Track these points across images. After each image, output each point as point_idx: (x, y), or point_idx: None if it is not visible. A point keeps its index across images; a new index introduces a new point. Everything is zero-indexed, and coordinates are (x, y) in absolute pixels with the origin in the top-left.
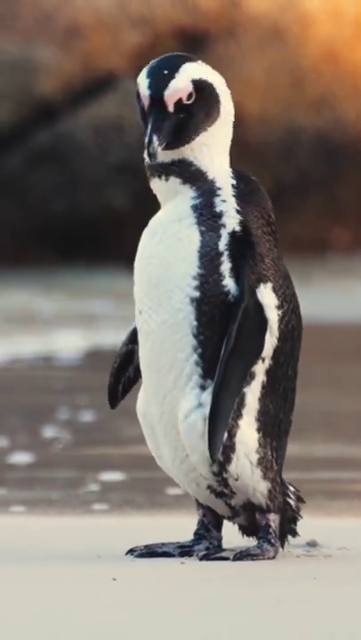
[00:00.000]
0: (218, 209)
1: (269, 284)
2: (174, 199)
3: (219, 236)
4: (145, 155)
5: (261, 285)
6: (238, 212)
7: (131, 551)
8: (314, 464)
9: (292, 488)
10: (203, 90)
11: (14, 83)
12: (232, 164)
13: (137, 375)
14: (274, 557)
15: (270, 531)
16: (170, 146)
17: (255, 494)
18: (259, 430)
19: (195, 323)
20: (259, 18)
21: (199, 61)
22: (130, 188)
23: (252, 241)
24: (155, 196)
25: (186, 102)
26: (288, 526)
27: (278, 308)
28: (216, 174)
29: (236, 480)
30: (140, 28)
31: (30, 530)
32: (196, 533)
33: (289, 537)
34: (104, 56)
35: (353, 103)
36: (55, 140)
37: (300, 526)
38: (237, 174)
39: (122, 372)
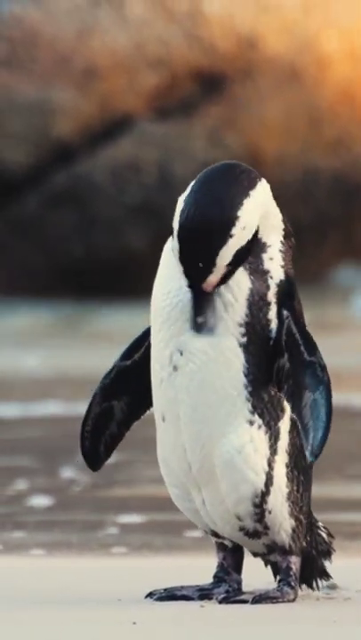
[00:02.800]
0: (265, 266)
1: None
2: None
3: (268, 287)
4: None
5: None
6: (282, 266)
7: (150, 594)
8: (332, 505)
9: (320, 523)
10: (240, 252)
11: (32, 124)
12: None
13: (122, 430)
14: (294, 600)
15: (291, 573)
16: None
17: (280, 532)
18: (288, 464)
19: (245, 363)
20: (276, 59)
21: (241, 202)
22: (147, 229)
23: (295, 290)
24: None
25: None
26: (321, 561)
27: None
28: (268, 236)
29: (270, 513)
30: (156, 69)
31: (50, 573)
32: (215, 576)
33: (320, 581)
34: (121, 97)
35: None
36: (73, 182)
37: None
38: (286, 230)
39: (99, 433)
